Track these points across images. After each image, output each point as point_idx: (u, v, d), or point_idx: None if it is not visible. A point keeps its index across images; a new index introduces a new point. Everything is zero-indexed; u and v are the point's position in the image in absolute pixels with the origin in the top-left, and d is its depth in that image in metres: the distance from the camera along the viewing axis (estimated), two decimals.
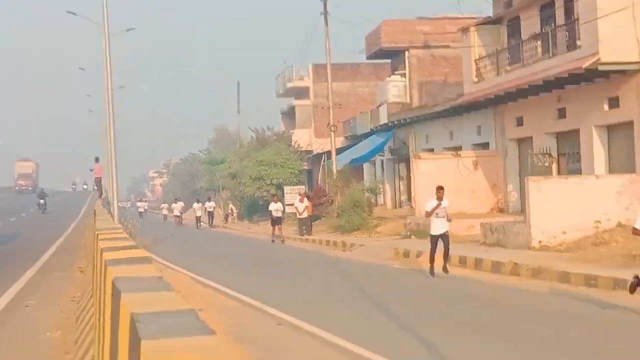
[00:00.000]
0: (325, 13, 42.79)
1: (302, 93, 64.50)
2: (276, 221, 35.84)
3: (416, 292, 18.20)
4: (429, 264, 19.86)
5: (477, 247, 24.41)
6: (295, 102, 65.35)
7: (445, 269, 19.44)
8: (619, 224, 22.63)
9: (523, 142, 31.34)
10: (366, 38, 49.44)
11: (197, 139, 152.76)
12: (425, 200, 31.97)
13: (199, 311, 13.66)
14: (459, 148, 35.62)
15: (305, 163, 58.92)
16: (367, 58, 51.32)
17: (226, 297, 17.89)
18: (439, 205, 19.73)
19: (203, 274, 22.38)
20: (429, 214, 19.86)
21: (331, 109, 43.02)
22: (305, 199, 37.52)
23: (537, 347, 11.61)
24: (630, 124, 24.20)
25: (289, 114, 67.96)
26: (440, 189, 20.03)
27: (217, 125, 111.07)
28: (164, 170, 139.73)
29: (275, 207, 35.90)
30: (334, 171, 42.36)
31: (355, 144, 50.22)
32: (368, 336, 12.25)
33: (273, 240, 35.57)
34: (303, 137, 60.55)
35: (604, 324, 13.28)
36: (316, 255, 27.88)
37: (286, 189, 51.10)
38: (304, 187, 51.67)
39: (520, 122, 31.09)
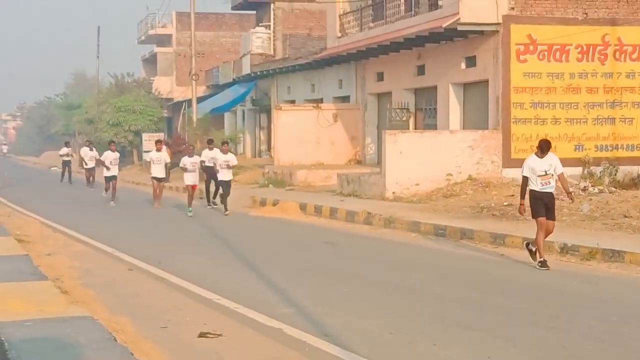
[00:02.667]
0: None
1: (164, 40, 63.52)
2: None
3: (271, 239, 18.49)
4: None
5: (333, 197, 24.89)
6: (157, 50, 64.33)
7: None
8: (470, 177, 23.54)
9: (382, 97, 31.96)
10: None
11: (54, 82, 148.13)
12: (286, 151, 32.55)
13: (48, 255, 13.56)
14: (320, 100, 36.04)
15: (166, 111, 58.30)
16: (232, 9, 51.00)
17: (78, 242, 17.65)
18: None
19: (54, 218, 21.97)
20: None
21: (193, 58, 42.59)
22: (164, 147, 36.91)
23: (380, 291, 12.06)
24: (485, 83, 25.04)
25: (151, 61, 66.87)
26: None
27: (75, 70, 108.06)
28: (17, 114, 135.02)
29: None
30: (194, 119, 42.11)
31: (217, 94, 50.04)
32: (219, 281, 12.41)
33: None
34: (164, 85, 59.79)
35: (444, 270, 13.87)
36: (173, 202, 27.73)
37: (144, 135, 50.50)
38: (162, 134, 51.18)
39: (380, 77, 31.66)
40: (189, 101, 44.92)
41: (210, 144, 26.71)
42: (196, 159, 24.43)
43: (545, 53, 24.17)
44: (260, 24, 45.97)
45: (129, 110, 53.39)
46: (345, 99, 34.83)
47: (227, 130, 46.29)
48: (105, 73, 67.91)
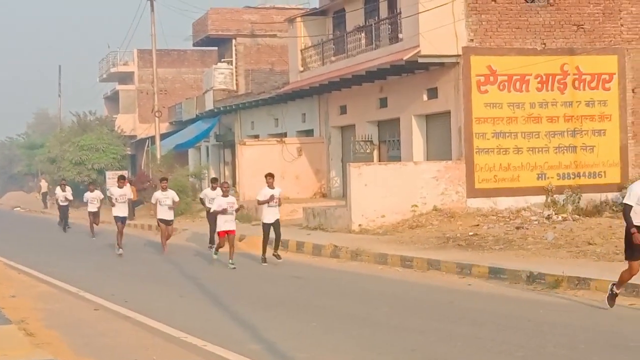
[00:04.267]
0: None
1: (126, 78, 63.39)
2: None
3: (239, 274, 18.41)
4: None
5: (300, 230, 24.86)
6: (119, 87, 64.16)
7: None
8: (435, 208, 23.65)
9: (346, 130, 32.09)
10: (193, 25, 49.20)
11: (15, 122, 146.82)
12: (250, 186, 32.46)
13: (12, 297, 13.38)
14: (284, 135, 36.10)
15: (129, 148, 58.02)
16: (194, 45, 51.06)
17: (42, 282, 17.44)
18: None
19: (19, 259, 21.70)
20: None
21: (156, 95, 42.57)
22: (128, 184, 36.56)
23: (349, 325, 12.04)
24: (447, 114, 25.24)
25: (113, 99, 66.63)
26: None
27: (37, 109, 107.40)
28: None
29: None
30: (158, 156, 41.97)
31: (181, 130, 49.97)
32: (187, 319, 12.32)
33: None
34: (127, 122, 59.57)
35: (412, 302, 13.88)
36: (139, 240, 27.54)
37: (108, 174, 50.18)
38: (126, 172, 50.90)
39: (344, 110, 31.81)
40: (153, 138, 44.81)
41: (214, 182, 23.91)
42: (232, 199, 19.77)
43: (506, 83, 24.46)
44: (222, 60, 46.06)
45: (91, 148, 53.09)
46: (309, 132, 34.93)
47: (192, 167, 46.16)
48: (67, 112, 67.46)
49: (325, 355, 9.72)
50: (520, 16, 24.64)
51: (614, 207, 23.87)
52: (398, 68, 25.85)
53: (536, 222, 21.69)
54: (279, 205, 19.73)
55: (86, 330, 11.89)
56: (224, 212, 19.01)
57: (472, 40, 24.37)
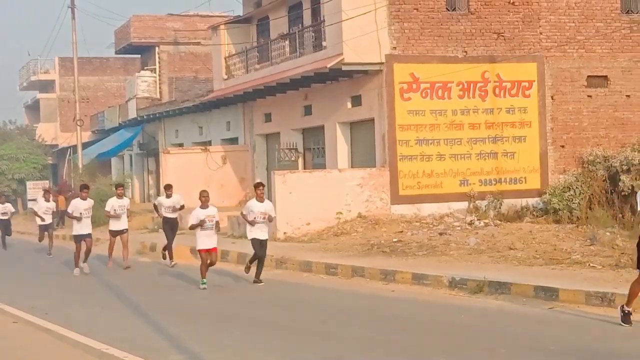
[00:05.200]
0: (73, 6, 41.68)
1: (47, 86, 62.36)
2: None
3: (162, 284, 18.22)
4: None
5: (225, 239, 24.68)
6: (40, 96, 63.10)
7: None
8: (360, 215, 23.75)
9: (271, 138, 32.04)
10: (115, 33, 48.67)
11: None
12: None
13: None
14: (209, 143, 35.91)
15: (50, 158, 57.07)
16: (116, 53, 50.53)
17: None
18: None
19: None
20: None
21: (77, 103, 41.97)
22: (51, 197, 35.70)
23: (274, 333, 12.01)
24: (371, 121, 25.38)
25: (33, 108, 65.49)
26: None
27: None
28: None
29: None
30: (80, 166, 41.34)
31: (103, 139, 49.34)
32: (109, 331, 12.13)
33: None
34: (48, 131, 58.57)
35: (336, 309, 13.89)
36: (60, 251, 27.04)
37: (29, 184, 49.32)
38: (47, 181, 50.07)
39: (268, 118, 31.76)
40: (75, 147, 44.16)
41: (168, 190, 21.93)
42: (212, 211, 17.01)
43: (428, 91, 24.70)
44: (146, 68, 45.65)
45: (12, 158, 52.13)
46: (233, 140, 34.79)
47: (115, 176, 45.56)
48: None
49: None
50: (441, 24, 24.92)
51: (534, 213, 24.32)
52: (322, 76, 25.91)
53: (459, 228, 21.93)
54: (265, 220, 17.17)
55: (3, 342, 11.62)
56: (202, 224, 16.50)
57: (394, 48, 24.56)
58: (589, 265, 15.94)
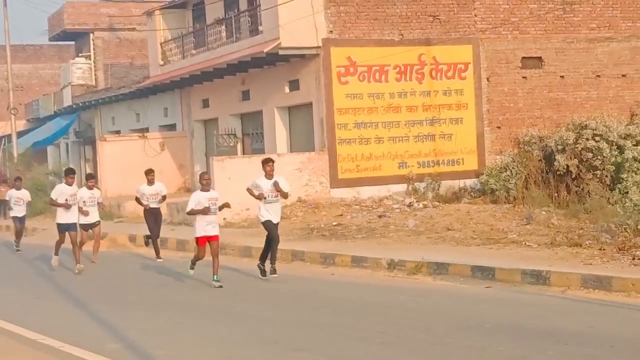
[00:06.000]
0: None
1: None
2: None
3: (100, 273, 18.01)
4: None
5: (164, 226, 24.42)
6: None
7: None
8: (299, 199, 23.73)
9: (209, 123, 31.83)
10: (49, 19, 47.81)
11: None
12: (113, 183, 31.87)
13: None
14: (146, 130, 35.54)
15: None
16: (50, 40, 49.62)
17: None
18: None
19: None
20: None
21: (11, 91, 41.22)
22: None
23: (212, 319, 11.95)
24: (309, 105, 25.35)
25: None
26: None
27: None
28: None
29: None
30: (15, 155, 40.65)
31: (39, 127, 48.55)
32: (45, 321, 11.96)
33: None
34: None
35: (276, 293, 13.88)
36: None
37: None
38: None
39: (206, 104, 31.55)
40: (9, 136, 43.39)
41: (149, 174, 19.93)
42: (214, 194, 15.22)
43: (366, 74, 24.73)
44: (80, 55, 44.95)
45: None
46: (171, 127, 34.49)
47: (51, 164, 44.87)
48: None
49: (187, 351, 9.59)
50: (377, 8, 24.94)
51: (472, 193, 24.55)
52: (259, 60, 25.79)
53: (398, 210, 22.05)
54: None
55: None
56: (205, 211, 14.62)
57: (331, 32, 24.54)
58: (525, 244, 16.14)
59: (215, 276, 14.50)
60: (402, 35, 25.12)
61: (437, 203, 22.98)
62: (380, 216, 21.28)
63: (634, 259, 13.59)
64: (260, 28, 25.68)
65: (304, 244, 18.31)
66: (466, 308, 11.67)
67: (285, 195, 15.46)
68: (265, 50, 24.37)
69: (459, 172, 25.51)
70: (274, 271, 14.94)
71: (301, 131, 26.24)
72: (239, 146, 29.38)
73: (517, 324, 10.44)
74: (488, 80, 25.95)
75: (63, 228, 17.77)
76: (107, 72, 42.82)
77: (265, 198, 15.11)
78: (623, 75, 26.98)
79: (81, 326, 11.41)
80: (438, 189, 24.65)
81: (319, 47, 24.38)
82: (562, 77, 26.58)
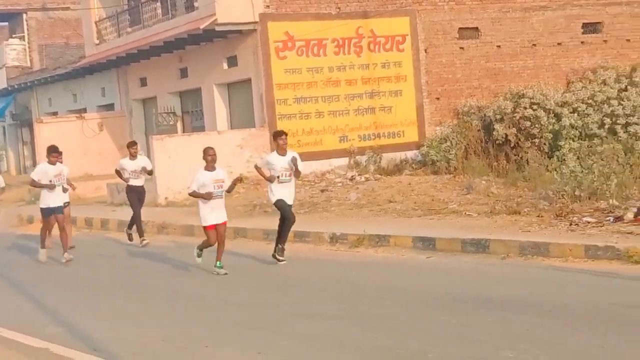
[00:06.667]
0: None
1: None
2: None
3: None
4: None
5: (104, 207, 24.29)
6: None
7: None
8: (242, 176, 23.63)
9: (148, 102, 31.49)
10: None
11: None
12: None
13: None
14: (84, 110, 35.06)
15: None
16: None
17: None
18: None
19: None
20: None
21: None
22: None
23: (157, 300, 11.90)
24: (248, 82, 25.21)
25: None
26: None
27: None
28: None
29: None
30: None
31: None
32: None
33: None
34: None
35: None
36: None
37: None
38: None
39: (144, 82, 31.18)
40: None
41: (132, 147, 18.37)
42: (220, 174, 13.38)
43: (304, 49, 24.65)
44: (14, 35, 44.09)
45: None
46: (109, 107, 34.04)
47: None
48: None
49: (131, 332, 9.52)
50: None
51: (413, 165, 24.70)
52: (196, 37, 25.53)
53: (340, 184, 22.11)
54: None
55: None
56: (208, 196, 12.90)
57: (268, 6, 24.38)
58: (465, 213, 16.31)
59: (218, 262, 13.13)
60: (339, 8, 25.07)
61: (379, 176, 23.09)
62: (322, 190, 21.32)
63: (570, 224, 13.82)
64: (195, 4, 25.42)
65: (246, 221, 18.27)
66: (407, 279, 11.78)
67: (298, 175, 13.77)
68: (201, 27, 24.13)
69: (400, 145, 25.62)
70: (281, 252, 13.67)
71: (241, 107, 26.11)
72: (179, 124, 29.16)
73: (458, 292, 10.55)
74: (426, 52, 26.04)
75: (48, 212, 15.77)
76: (42, 52, 42.09)
77: (277, 178, 13.34)
78: (558, 44, 27.27)
79: (22, 311, 11.26)
80: (379, 162, 24.73)
81: (255, 22, 24.22)
82: (498, 46, 26.77)
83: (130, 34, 29.51)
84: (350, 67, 25.18)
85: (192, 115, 28.77)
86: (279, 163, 13.37)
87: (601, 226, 13.48)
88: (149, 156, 23.08)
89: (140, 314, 10.61)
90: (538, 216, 14.89)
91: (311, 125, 24.74)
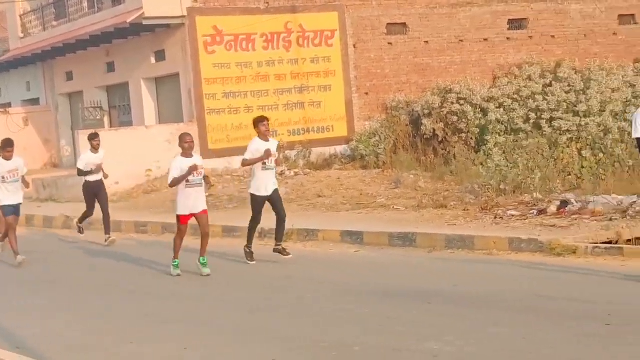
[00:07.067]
0: None
1: None
2: None
3: None
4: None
5: (30, 203, 23.82)
6: None
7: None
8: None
9: (74, 97, 31.03)
10: None
11: None
12: None
13: None
14: (9, 105, 34.38)
15: None
16: None
17: None
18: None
19: None
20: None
21: None
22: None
23: (82, 295, 11.77)
24: (177, 76, 25.02)
25: None
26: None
27: None
28: None
29: None
30: None
31: None
32: None
33: None
34: None
35: (150, 266, 13.74)
36: None
37: None
38: None
39: (70, 76, 30.72)
40: None
41: (94, 139, 16.87)
42: (198, 159, 12.76)
43: (233, 43, 24.56)
44: None
45: None
46: (35, 101, 33.49)
47: None
48: None
49: (54, 329, 9.39)
50: None
51: (342, 160, 24.81)
52: (123, 31, 25.23)
53: None
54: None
55: None
56: (188, 182, 12.17)
57: (196, 1, 24.22)
58: (393, 207, 16.45)
59: (201, 258, 12.21)
60: (267, 3, 25.02)
61: (308, 170, 23.13)
62: None
63: (495, 217, 14.05)
64: None
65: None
66: (335, 273, 11.83)
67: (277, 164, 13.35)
68: (128, 21, 23.87)
69: (329, 139, 25.70)
70: (284, 251, 12.88)
71: (169, 102, 25.91)
72: (106, 119, 28.81)
73: (384, 285, 10.64)
74: (355, 47, 26.16)
75: (9, 211, 14.36)
76: None
77: (264, 164, 12.70)
78: (485, 40, 27.63)
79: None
80: (309, 157, 24.79)
81: (184, 16, 24.04)
82: (426, 42, 27.02)
83: (56, 28, 29.06)
84: (280, 62, 25.17)
85: (120, 109, 28.46)
86: (264, 148, 12.79)
87: (525, 219, 13.73)
88: (75, 151, 22.81)
89: (62, 310, 10.47)
90: (464, 210, 15.09)
91: (240, 120, 24.64)
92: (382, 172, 21.56)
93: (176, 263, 12.29)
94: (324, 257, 13.11)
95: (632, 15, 29.60)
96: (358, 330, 8.37)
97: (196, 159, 12.43)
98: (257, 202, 12.98)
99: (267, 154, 12.49)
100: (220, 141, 24.50)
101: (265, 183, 12.81)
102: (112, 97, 28.92)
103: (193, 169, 12.02)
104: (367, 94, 26.35)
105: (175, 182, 12.20)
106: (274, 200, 12.89)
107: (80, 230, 17.34)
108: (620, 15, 29.34)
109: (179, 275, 12.15)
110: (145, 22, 24.02)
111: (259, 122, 12.96)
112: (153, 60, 25.92)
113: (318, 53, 25.65)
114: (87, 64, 29.13)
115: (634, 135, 10.47)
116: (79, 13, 27.89)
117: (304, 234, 14.61)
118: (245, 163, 13.02)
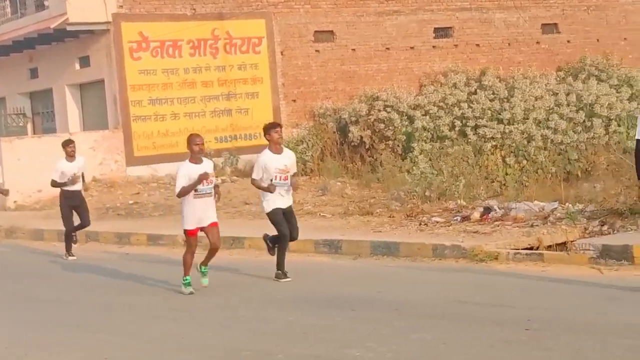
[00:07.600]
0: None
1: None
2: None
3: None
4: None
5: None
6: None
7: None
8: (94, 179, 23.14)
9: None
10: None
11: None
12: None
13: None
14: None
15: None
16: None
17: None
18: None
19: None
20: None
21: None
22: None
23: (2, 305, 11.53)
24: (101, 82, 24.74)
25: None
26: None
27: None
28: None
29: None
30: None
31: None
32: None
33: None
34: None
35: (73, 275, 13.52)
36: None
37: None
38: None
39: None
40: None
41: (68, 145, 15.23)
42: (209, 165, 11.22)
43: (159, 50, 24.38)
44: None
45: None
46: None
47: None
48: None
49: None
50: None
51: None
52: (46, 37, 24.90)
53: None
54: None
55: None
56: (197, 192, 10.80)
57: (121, 6, 24.00)
58: (320, 214, 16.47)
59: (202, 267, 11.23)
60: (194, 9, 24.91)
61: (236, 178, 23.05)
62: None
63: (420, 224, 14.15)
64: (46, 3, 24.83)
65: (98, 224, 17.83)
66: (260, 280, 11.76)
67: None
68: (52, 26, 23.57)
69: (257, 146, 25.31)
70: (284, 276, 11.47)
71: (94, 109, 25.59)
72: (29, 126, 28.35)
73: (308, 293, 10.63)
74: (282, 54, 26.18)
75: None
76: None
77: (271, 181, 11.18)
78: (411, 48, 27.90)
79: None
80: (236, 164, 24.69)
81: (108, 22, 23.82)
82: (353, 50, 27.16)
83: None
84: (206, 69, 25.06)
85: (43, 116, 28.02)
86: (273, 163, 11.17)
87: (449, 226, 13.86)
88: None
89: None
90: (389, 217, 15.18)
91: (167, 127, 24.47)
92: (309, 179, 21.59)
93: (187, 280, 10.93)
94: (248, 265, 13.03)
95: (555, 25, 30.18)
96: (281, 338, 8.33)
97: (206, 165, 10.89)
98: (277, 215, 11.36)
99: (203, 177, 10.64)
100: (146, 148, 24.28)
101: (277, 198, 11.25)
102: (35, 103, 28.46)
103: (204, 177, 10.57)
104: (294, 101, 26.38)
105: (184, 192, 10.69)
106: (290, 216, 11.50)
107: (74, 240, 15.40)
108: (543, 25, 29.91)
109: (191, 293, 10.87)
110: (69, 28, 23.76)
111: (270, 129, 11.26)
112: (77, 66, 25.60)
113: (245, 60, 25.61)
114: (9, 69, 28.63)
115: (638, 137, 9.74)
116: (2, 18, 27.45)
117: (229, 241, 14.53)
118: (255, 183, 11.42)
